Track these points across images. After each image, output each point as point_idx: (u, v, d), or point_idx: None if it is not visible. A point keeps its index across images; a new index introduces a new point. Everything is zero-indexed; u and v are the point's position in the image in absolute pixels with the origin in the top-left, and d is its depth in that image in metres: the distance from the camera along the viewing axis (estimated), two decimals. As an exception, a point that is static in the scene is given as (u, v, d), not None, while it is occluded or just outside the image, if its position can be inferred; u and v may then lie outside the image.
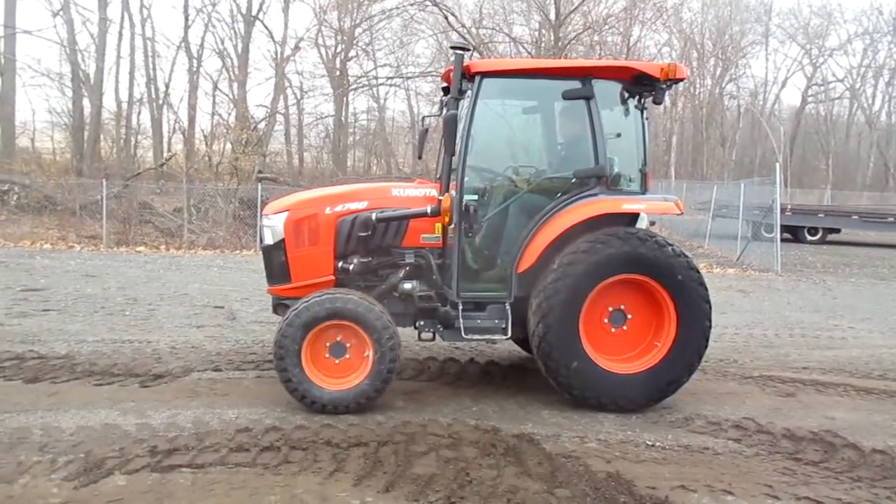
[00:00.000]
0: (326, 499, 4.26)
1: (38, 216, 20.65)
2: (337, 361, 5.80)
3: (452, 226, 6.10)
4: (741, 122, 51.67)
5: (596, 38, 24.72)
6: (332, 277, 6.30)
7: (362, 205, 6.37)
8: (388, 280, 6.32)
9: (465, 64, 6.11)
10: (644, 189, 6.42)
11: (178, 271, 14.11)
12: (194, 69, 32.81)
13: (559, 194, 6.25)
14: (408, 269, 6.32)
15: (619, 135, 6.37)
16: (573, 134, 6.48)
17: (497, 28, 30.05)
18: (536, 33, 29.21)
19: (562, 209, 6.11)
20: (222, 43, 33.59)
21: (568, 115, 6.60)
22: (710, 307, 6.09)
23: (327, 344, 5.78)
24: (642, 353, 6.14)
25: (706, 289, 6.06)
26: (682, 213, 6.62)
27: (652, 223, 7.51)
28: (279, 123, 34.89)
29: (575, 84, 6.18)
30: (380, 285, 6.33)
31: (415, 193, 6.46)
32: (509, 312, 6.16)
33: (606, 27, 24.94)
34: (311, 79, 37.30)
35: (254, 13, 32.72)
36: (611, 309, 6.16)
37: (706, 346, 6.13)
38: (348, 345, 5.79)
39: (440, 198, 6.13)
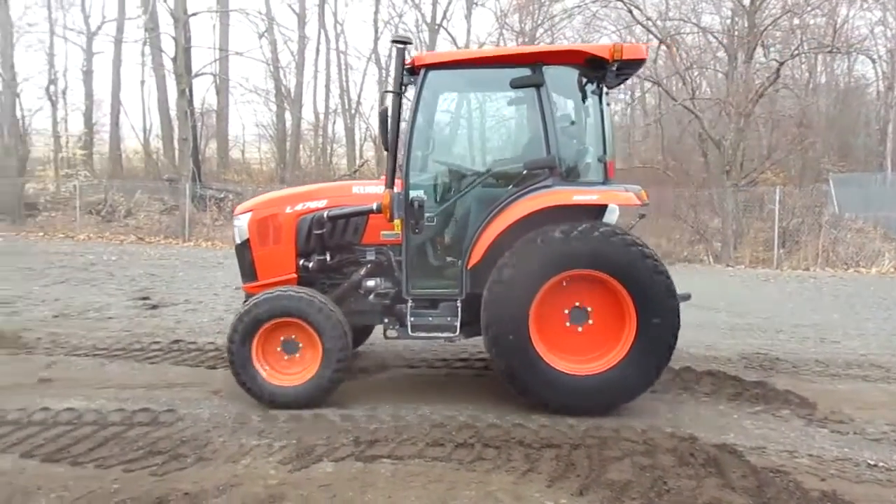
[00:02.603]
0: (521, 498, 4.29)
1: (248, 221, 22.59)
2: (287, 357, 5.93)
3: (393, 221, 5.93)
4: (973, 106, 45.52)
5: (796, 21, 22.88)
6: (295, 275, 6.36)
7: (322, 203, 6.40)
8: (351, 278, 6.31)
9: (411, 57, 5.96)
10: (606, 179, 6.01)
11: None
12: (383, 79, 34.44)
13: (510, 186, 5.99)
14: (369, 266, 6.30)
15: (573, 123, 6.10)
16: (524, 124, 6.16)
17: (685, 18, 28.77)
18: (728, 21, 27.62)
19: (513, 202, 5.83)
20: (409, 53, 34.94)
21: (518, 104, 6.29)
22: (677, 311, 5.58)
23: (281, 339, 5.90)
24: (602, 356, 5.73)
25: (672, 289, 5.56)
26: (643, 204, 5.91)
27: (641, 216, 7.13)
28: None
29: (524, 72, 5.86)
30: (343, 283, 6.33)
31: (374, 191, 6.29)
32: (460, 309, 5.95)
33: (808, 9, 23.02)
34: (494, 82, 37.72)
35: (437, 21, 33.77)
36: (577, 304, 5.78)
37: (669, 354, 5.67)
38: (300, 342, 5.89)
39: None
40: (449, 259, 6.26)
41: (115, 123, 35.01)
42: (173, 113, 28.76)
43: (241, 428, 5.41)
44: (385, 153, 6.05)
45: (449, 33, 36.28)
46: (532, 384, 5.70)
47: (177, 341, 8.06)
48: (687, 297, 6.67)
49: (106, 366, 7.13)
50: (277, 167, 30.90)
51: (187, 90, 24.77)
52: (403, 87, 5.97)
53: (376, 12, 33.88)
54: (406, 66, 5.94)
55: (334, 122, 36.97)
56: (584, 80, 5.98)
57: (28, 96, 31.49)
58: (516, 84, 5.97)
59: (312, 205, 6.43)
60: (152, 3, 26.19)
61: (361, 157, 33.76)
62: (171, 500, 4.20)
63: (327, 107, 36.15)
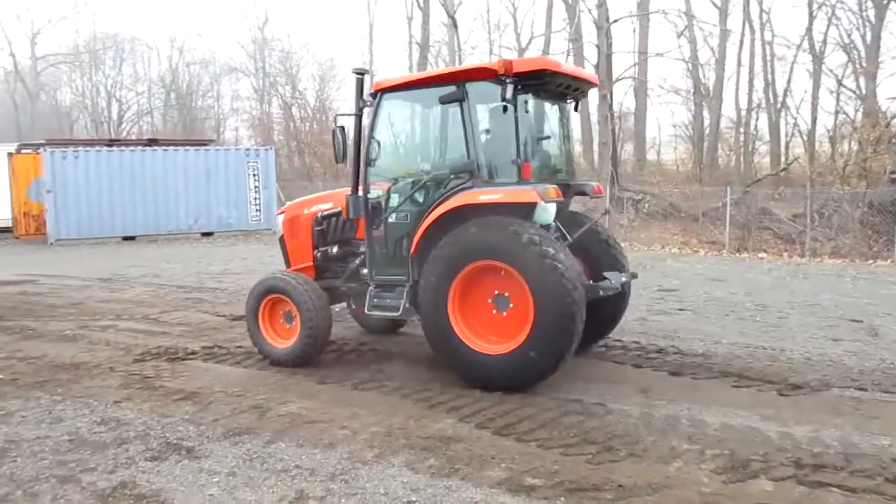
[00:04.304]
0: None
1: (664, 222, 22.55)
2: (286, 325, 7.34)
3: (349, 219, 7.50)
4: None
5: None
6: (311, 264, 7.83)
7: (329, 206, 7.87)
8: (350, 266, 7.51)
9: (370, 83, 7.19)
10: (520, 179, 6.40)
11: (805, 280, 13.55)
12: (816, 67, 31.20)
13: (443, 188, 6.71)
14: (363, 256, 7.34)
15: (487, 131, 6.78)
16: (454, 134, 6.89)
17: None
18: None
19: (441, 202, 6.56)
20: (848, 36, 31.05)
21: (449, 117, 7.07)
22: (569, 293, 5.90)
23: (286, 310, 7.28)
24: (513, 338, 6.19)
25: (566, 273, 5.93)
26: (543, 201, 6.25)
27: (606, 212, 7.44)
28: (919, 115, 30.52)
29: (453, 89, 6.58)
30: (347, 270, 7.59)
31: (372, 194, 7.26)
32: (405, 293, 6.87)
33: None
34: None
35: (890, -5, 29.34)
36: (496, 293, 6.34)
37: (570, 336, 6.00)
38: (293, 314, 7.18)
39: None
40: (400, 251, 7.05)
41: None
42: (594, 118, 29.99)
43: (671, 430, 5.39)
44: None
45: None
46: (454, 360, 6.48)
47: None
48: (614, 288, 6.96)
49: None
50: (695, 167, 30.12)
51: (608, 95, 25.56)
52: (361, 110, 7.18)
53: (812, -6, 30.79)
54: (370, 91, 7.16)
55: (757, 119, 34.68)
56: (506, 91, 6.30)
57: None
58: (443, 100, 6.73)
59: (322, 207, 7.92)
60: (577, 15, 27.63)
61: (787, 155, 31.10)
62: (606, 489, 4.38)
63: (750, 102, 34.05)
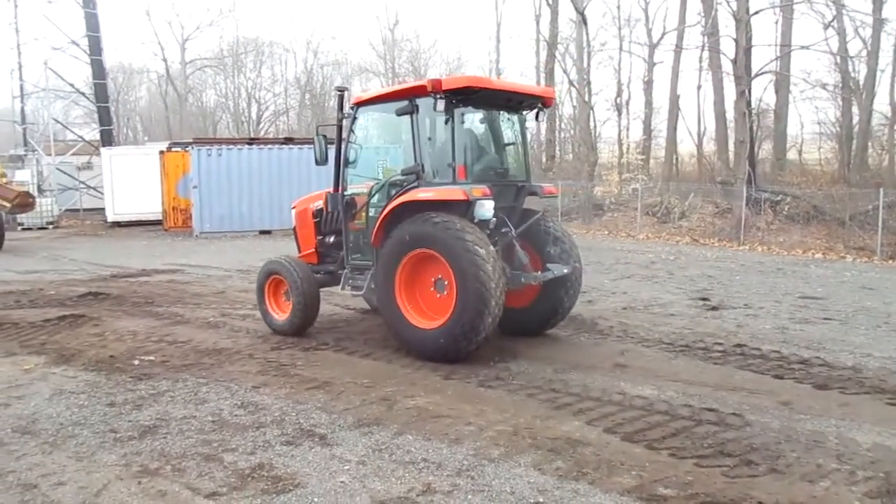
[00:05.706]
0: None
1: (806, 226, 21.18)
2: (286, 301, 8.54)
3: (327, 213, 8.84)
4: None
5: None
6: (314, 251, 9.14)
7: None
8: (341, 253, 8.58)
9: (350, 98, 8.31)
10: (454, 180, 7.35)
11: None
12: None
13: (399, 187, 7.69)
14: (352, 245, 8.44)
15: (430, 139, 7.69)
16: (408, 140, 7.65)
17: None
18: None
19: (393, 199, 7.56)
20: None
21: (405, 126, 7.66)
22: (481, 279, 6.73)
23: (283, 290, 8.56)
24: (444, 315, 7.12)
25: (482, 261, 6.76)
26: (467, 199, 7.06)
27: (545, 211, 8.62)
28: None
29: (406, 103, 7.53)
30: (340, 256, 8.68)
31: (347, 192, 8.45)
32: (369, 275, 7.97)
33: None
34: None
35: None
36: (435, 278, 7.29)
37: (482, 316, 6.80)
38: (291, 291, 8.40)
39: None
40: (367, 240, 8.03)
41: (673, 129, 36.61)
42: (729, 115, 28.60)
43: (816, 447, 5.05)
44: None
45: None
46: (400, 334, 7.54)
47: (739, 345, 7.97)
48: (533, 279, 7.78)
49: (672, 360, 7.46)
50: (841, 168, 28.07)
51: (746, 91, 24.30)
52: (341, 121, 8.30)
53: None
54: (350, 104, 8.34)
55: (913, 114, 31.83)
56: (437, 105, 7.24)
57: (598, 108, 35.08)
58: (398, 112, 7.59)
59: (320, 203, 8.99)
60: (714, 8, 26.42)
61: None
62: (745, 506, 4.15)
63: (909, 96, 31.32)
